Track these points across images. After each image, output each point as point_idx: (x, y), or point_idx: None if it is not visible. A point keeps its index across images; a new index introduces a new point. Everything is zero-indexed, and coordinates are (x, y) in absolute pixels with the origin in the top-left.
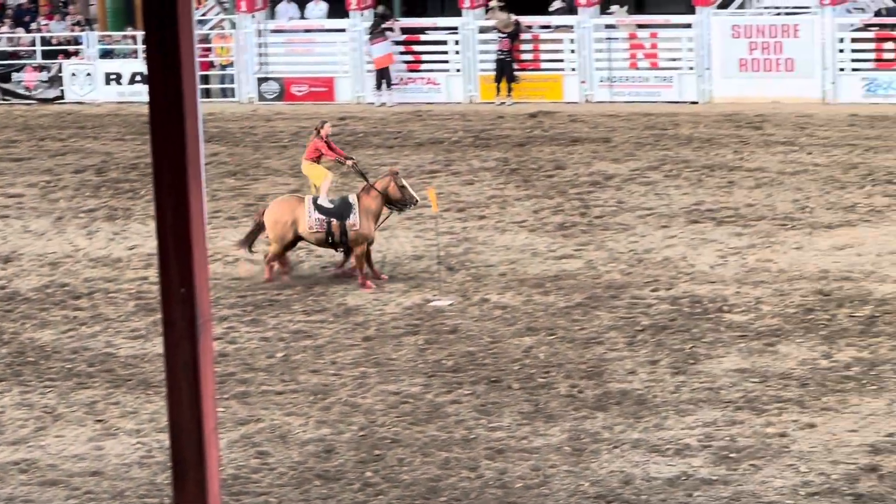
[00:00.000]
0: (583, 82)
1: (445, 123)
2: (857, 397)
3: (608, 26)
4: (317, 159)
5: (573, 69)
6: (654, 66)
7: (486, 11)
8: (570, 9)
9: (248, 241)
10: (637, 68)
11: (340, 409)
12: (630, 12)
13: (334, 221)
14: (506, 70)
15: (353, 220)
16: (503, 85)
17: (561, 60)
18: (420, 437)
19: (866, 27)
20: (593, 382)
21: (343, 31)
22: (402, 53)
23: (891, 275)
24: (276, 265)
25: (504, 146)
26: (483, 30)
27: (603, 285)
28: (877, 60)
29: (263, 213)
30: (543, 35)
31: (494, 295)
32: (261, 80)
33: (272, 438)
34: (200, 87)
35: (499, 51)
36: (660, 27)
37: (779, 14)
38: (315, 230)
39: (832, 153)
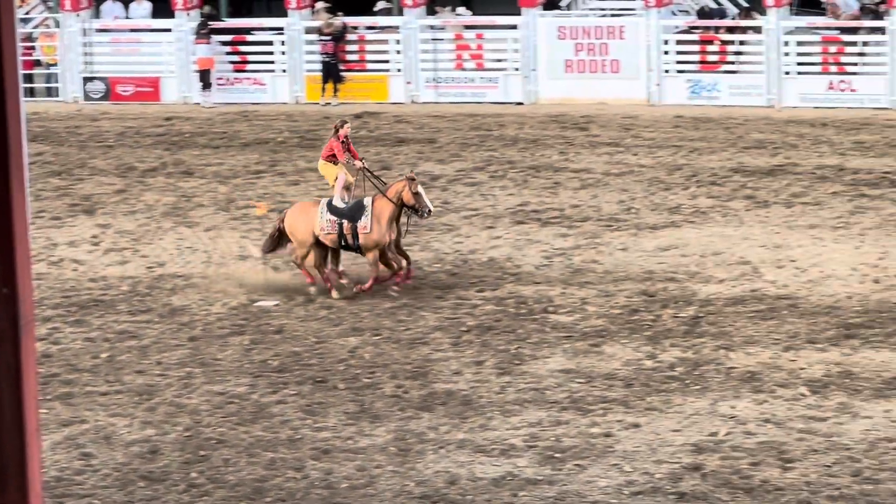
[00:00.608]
0: (408, 83)
1: (271, 124)
2: (681, 397)
3: (434, 27)
4: (331, 159)
5: (399, 70)
6: (480, 67)
7: (312, 13)
8: (399, 10)
9: (270, 246)
10: (463, 69)
11: (166, 410)
12: (456, 13)
13: (346, 223)
14: (331, 72)
15: (364, 223)
16: (329, 86)
17: (387, 61)
18: (246, 438)
19: (690, 29)
20: (419, 383)
21: (169, 30)
22: (227, 54)
23: (715, 275)
24: (325, 271)
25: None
26: (309, 30)
27: (428, 286)
28: (701, 62)
29: (284, 219)
30: (369, 36)
31: (319, 295)
32: (86, 80)
33: (96, 440)
34: (25, 86)
35: (323, 53)
36: (486, 28)
37: (604, 16)
38: (327, 231)
39: (657, 154)
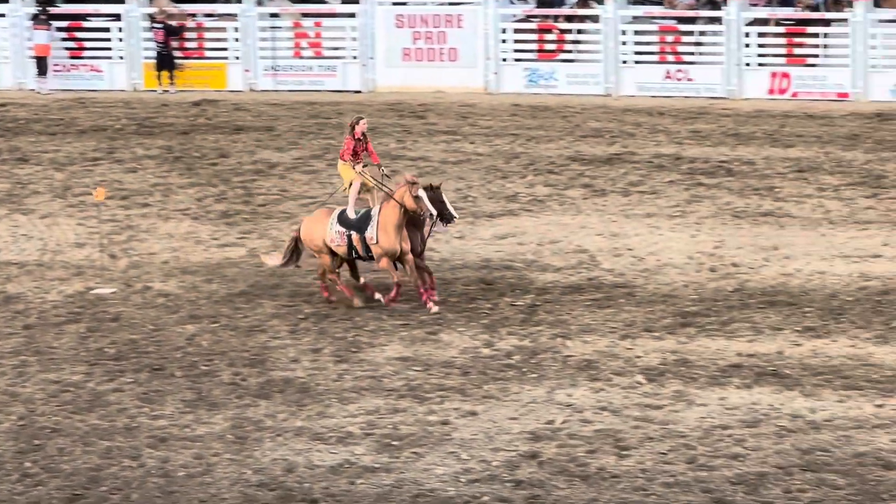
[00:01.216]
0: (247, 71)
1: (108, 111)
2: (518, 385)
3: (272, 15)
4: (355, 161)
5: (237, 58)
6: (318, 55)
7: (151, 0)
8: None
9: (287, 258)
10: (301, 57)
11: None
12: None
13: (355, 234)
14: (164, 61)
15: (371, 233)
16: (164, 74)
17: (225, 49)
18: (81, 426)
19: (528, 18)
20: (256, 370)
21: (3, 16)
22: (63, 40)
23: (552, 264)
24: (361, 285)
25: (168, 134)
26: (147, 17)
27: (266, 273)
28: (538, 51)
29: (299, 229)
30: (207, 23)
31: (157, 283)
32: None
33: None
34: None
35: (156, 41)
36: (324, 16)
37: (442, 4)
38: (337, 243)
39: (494, 143)
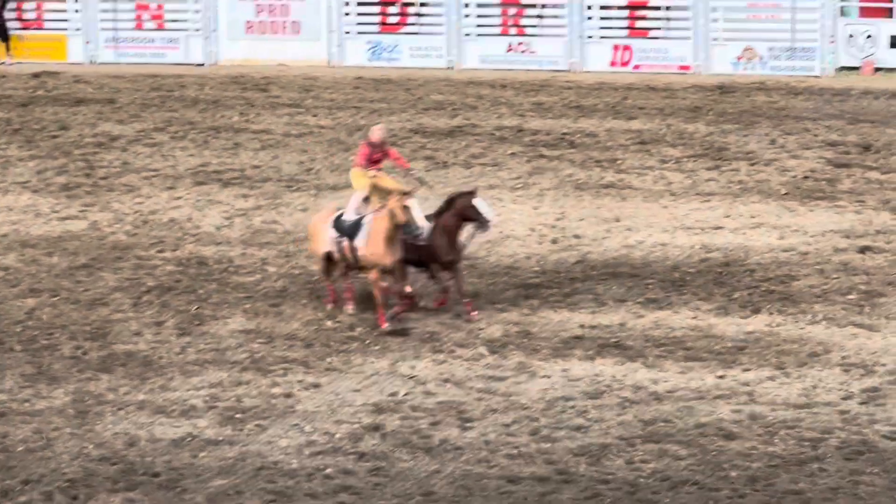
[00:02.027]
0: (87, 43)
1: None
2: (361, 357)
3: None
4: (371, 165)
5: (78, 29)
6: (161, 28)
7: None
8: None
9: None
10: (143, 29)
11: None
12: None
13: (345, 241)
14: None
15: (358, 241)
16: (0, 46)
17: (65, 20)
18: None
19: None
20: (98, 344)
21: None
22: None
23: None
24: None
25: (6, 106)
26: None
27: (108, 246)
28: (381, 24)
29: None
30: None
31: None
32: None
33: None
34: None
35: None
36: None
37: None
38: (330, 248)
39: (337, 115)
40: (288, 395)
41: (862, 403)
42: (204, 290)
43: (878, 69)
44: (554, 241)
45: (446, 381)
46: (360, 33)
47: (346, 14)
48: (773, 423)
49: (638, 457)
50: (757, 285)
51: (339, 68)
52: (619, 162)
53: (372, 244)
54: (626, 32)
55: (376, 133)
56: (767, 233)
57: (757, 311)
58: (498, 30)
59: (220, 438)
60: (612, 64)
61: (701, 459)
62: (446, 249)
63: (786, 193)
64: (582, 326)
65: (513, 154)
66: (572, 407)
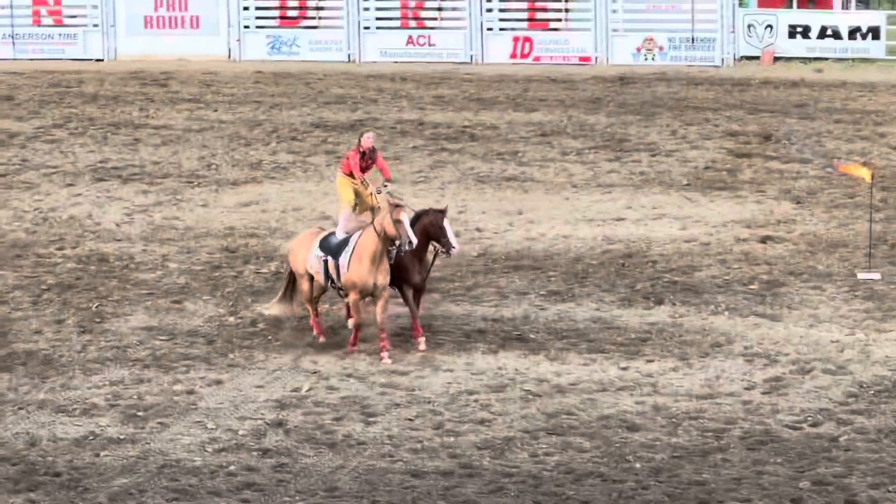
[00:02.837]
0: None
1: None
2: (264, 353)
3: None
4: (352, 175)
5: None
6: (59, 24)
7: None
8: None
9: (286, 293)
10: (41, 25)
11: None
12: None
13: (330, 260)
14: None
15: (343, 260)
16: None
17: None
18: None
19: None
20: None
21: None
22: None
23: (296, 231)
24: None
25: None
26: None
27: (7, 244)
28: (281, 18)
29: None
30: None
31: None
32: None
33: None
34: None
35: None
36: None
37: None
38: (315, 269)
39: (238, 110)
40: (190, 392)
41: (765, 393)
42: (105, 288)
43: (777, 59)
44: (456, 235)
45: (349, 375)
46: (259, 27)
47: (246, 8)
48: (676, 414)
49: (542, 449)
50: (659, 276)
51: (239, 63)
52: (520, 154)
53: (356, 263)
54: (526, 24)
55: (368, 140)
56: (669, 224)
57: (659, 302)
58: (397, 23)
59: (122, 437)
60: (513, 56)
61: (605, 451)
62: (417, 269)
63: (687, 184)
64: (485, 320)
65: (414, 147)
66: (476, 400)
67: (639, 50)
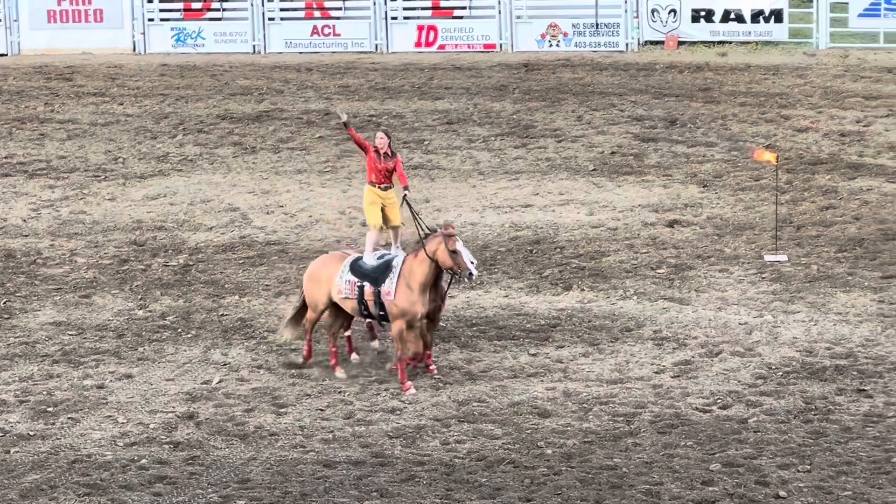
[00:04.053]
0: None
1: None
2: (174, 346)
3: None
4: (381, 184)
5: None
6: None
7: None
8: None
9: (297, 316)
10: None
11: None
12: None
13: (367, 287)
14: None
15: (389, 287)
16: None
17: None
18: None
19: None
20: None
21: None
22: None
23: (204, 223)
24: (336, 340)
25: None
26: None
27: None
28: (185, 10)
29: (306, 274)
30: None
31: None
32: None
33: None
34: None
35: None
36: None
37: None
38: (345, 295)
39: (143, 103)
40: (100, 387)
41: (674, 377)
42: (12, 283)
43: (681, 43)
44: (364, 224)
45: (259, 367)
46: (163, 20)
47: (150, 1)
48: (587, 400)
49: (453, 437)
50: (567, 262)
51: (143, 56)
52: (426, 142)
53: (404, 291)
54: (430, 13)
55: (380, 141)
56: (576, 209)
57: (568, 287)
58: (302, 13)
59: (32, 433)
60: (418, 45)
61: (516, 438)
62: (430, 297)
63: (593, 170)
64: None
65: (320, 138)
66: (386, 390)
67: (543, 37)
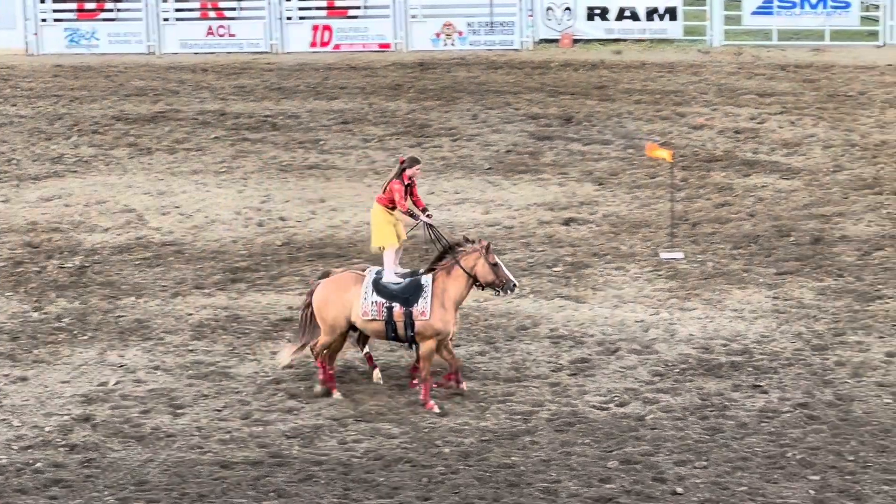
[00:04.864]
0: None
1: None
2: (69, 348)
3: None
4: (391, 206)
5: None
6: None
7: None
8: None
9: (303, 339)
10: None
11: None
12: None
13: (397, 307)
14: None
15: (423, 307)
16: None
17: None
18: None
19: None
20: None
21: None
22: None
23: (99, 224)
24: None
25: None
26: None
27: None
28: (79, 11)
29: (312, 294)
30: None
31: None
32: None
33: None
34: None
35: None
36: None
37: None
38: (371, 317)
39: (37, 105)
40: None
41: (571, 375)
42: None
43: (576, 41)
44: (260, 224)
45: (156, 368)
46: (57, 21)
47: (42, 1)
48: (484, 398)
49: (351, 436)
50: None
51: (37, 57)
52: (322, 142)
53: (439, 310)
54: (325, 13)
55: (415, 171)
56: (472, 208)
57: None
58: (197, 14)
59: None
60: (313, 45)
61: (413, 437)
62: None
63: (489, 168)
64: (290, 308)
65: (216, 138)
66: (283, 390)
67: (438, 35)
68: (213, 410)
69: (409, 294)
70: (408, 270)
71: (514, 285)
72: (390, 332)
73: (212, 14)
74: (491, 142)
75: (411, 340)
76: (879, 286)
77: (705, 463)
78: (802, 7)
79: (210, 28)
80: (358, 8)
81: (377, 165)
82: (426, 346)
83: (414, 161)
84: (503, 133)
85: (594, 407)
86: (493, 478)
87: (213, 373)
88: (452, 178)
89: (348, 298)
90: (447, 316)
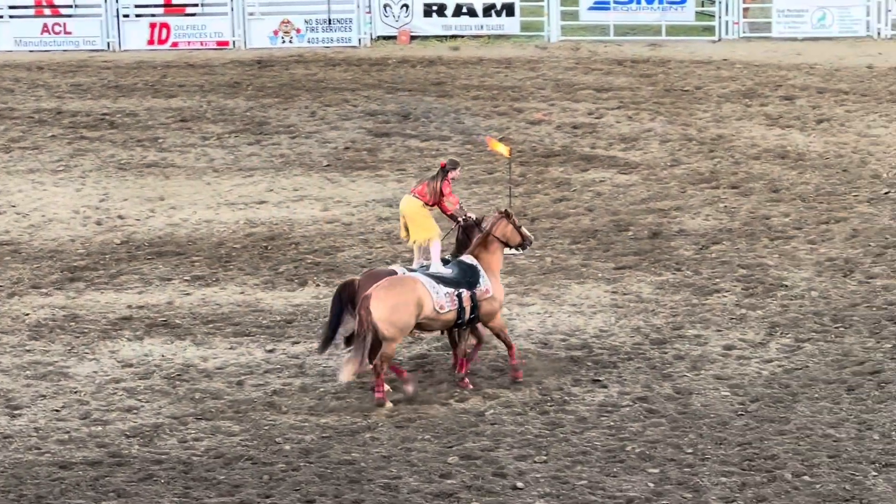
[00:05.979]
0: None
1: None
2: None
3: None
4: (431, 205)
5: None
6: None
7: None
8: None
9: (362, 351)
10: None
11: None
12: None
13: (465, 293)
14: None
15: (485, 285)
16: None
17: None
18: None
19: None
20: None
21: None
22: None
23: None
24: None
25: None
26: None
27: None
28: None
29: (369, 311)
30: None
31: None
32: None
33: None
34: None
35: None
36: None
37: None
38: (447, 309)
39: None
40: None
41: (409, 371)
42: None
43: (414, 37)
44: (98, 223)
45: None
46: None
47: None
48: (323, 395)
49: (191, 435)
50: (302, 258)
51: None
52: (160, 141)
53: (495, 283)
54: (162, 10)
55: (458, 174)
56: (311, 205)
57: (303, 283)
58: (32, 11)
59: None
60: (150, 42)
61: (254, 434)
62: None
63: (328, 165)
64: (129, 307)
65: (53, 136)
66: (123, 388)
67: (276, 33)
68: (51, 411)
69: (469, 277)
70: (427, 262)
71: (532, 239)
72: (458, 320)
73: (47, 11)
74: (329, 139)
75: (470, 323)
76: (717, 280)
77: (545, 457)
78: (639, 3)
79: (45, 25)
80: (196, 5)
81: (216, 163)
82: (497, 321)
83: (455, 163)
84: (341, 130)
85: (435, 402)
86: (334, 474)
87: (51, 373)
88: (291, 176)
89: (419, 298)
90: (500, 286)
